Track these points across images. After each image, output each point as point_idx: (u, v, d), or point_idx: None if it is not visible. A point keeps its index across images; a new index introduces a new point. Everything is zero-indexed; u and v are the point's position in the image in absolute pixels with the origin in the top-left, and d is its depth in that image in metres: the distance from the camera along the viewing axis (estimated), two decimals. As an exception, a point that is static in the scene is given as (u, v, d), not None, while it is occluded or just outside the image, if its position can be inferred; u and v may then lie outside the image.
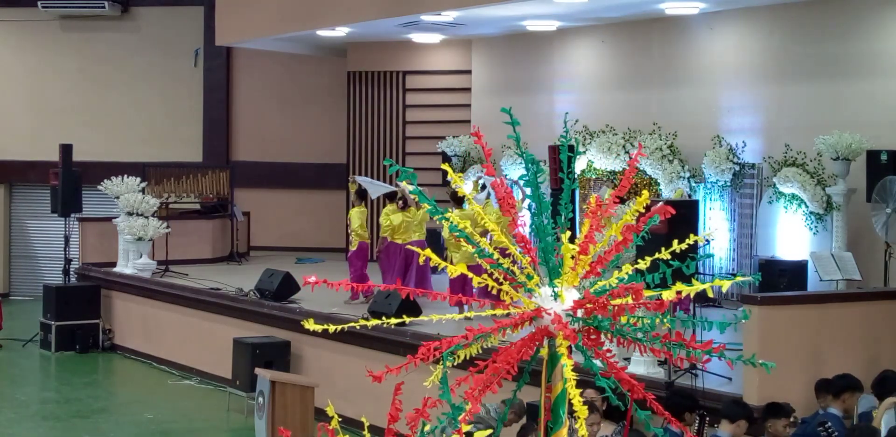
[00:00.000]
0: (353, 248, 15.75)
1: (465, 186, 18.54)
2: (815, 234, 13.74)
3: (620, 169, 16.38)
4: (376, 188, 16.61)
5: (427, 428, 3.75)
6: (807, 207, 13.75)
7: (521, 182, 3.65)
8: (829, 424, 8.50)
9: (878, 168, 12.58)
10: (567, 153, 3.67)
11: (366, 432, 4.46)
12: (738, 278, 3.61)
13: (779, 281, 13.03)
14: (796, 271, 13.36)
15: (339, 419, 4.09)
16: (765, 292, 11.11)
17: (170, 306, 17.40)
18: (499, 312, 3.52)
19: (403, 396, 4.00)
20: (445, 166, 4.16)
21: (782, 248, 14.20)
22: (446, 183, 18.78)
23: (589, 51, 17.69)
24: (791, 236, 14.05)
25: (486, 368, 3.45)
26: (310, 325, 3.59)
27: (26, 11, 23.20)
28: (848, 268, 12.38)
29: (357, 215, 15.62)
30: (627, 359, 10.58)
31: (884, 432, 8.28)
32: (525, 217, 3.69)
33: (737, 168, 14.80)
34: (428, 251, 3.64)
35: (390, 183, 16.82)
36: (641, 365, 10.69)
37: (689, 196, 14.82)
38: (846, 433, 8.31)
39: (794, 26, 14.57)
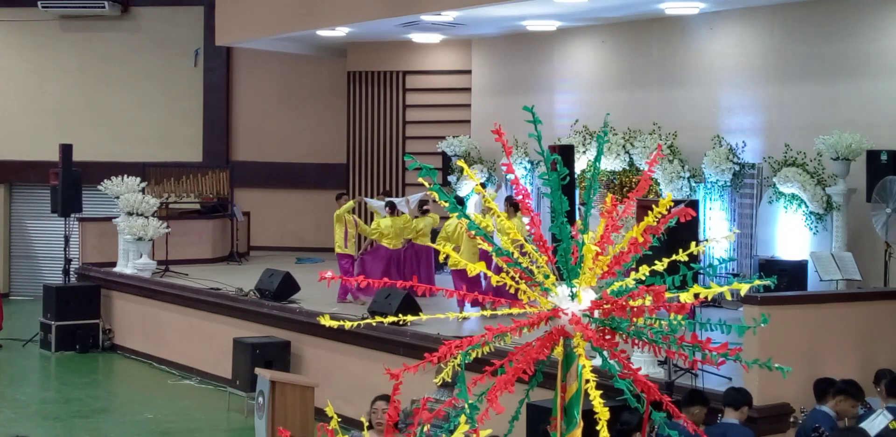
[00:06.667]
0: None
1: (467, 187, 18.49)
2: (815, 234, 13.75)
3: (620, 169, 16.39)
4: (379, 206, 16.77)
5: (426, 428, 3.76)
6: (807, 207, 13.76)
7: (542, 181, 3.66)
8: (822, 427, 8.49)
9: (878, 168, 12.60)
10: (601, 152, 3.65)
11: (365, 432, 4.49)
12: (756, 282, 3.62)
13: (779, 281, 13.00)
14: (796, 271, 13.36)
15: (339, 420, 4.10)
16: (765, 293, 11.13)
17: (170, 306, 17.40)
18: (515, 311, 3.53)
19: (402, 396, 4.01)
20: (461, 163, 4.17)
21: (782, 248, 14.21)
22: (447, 183, 18.82)
23: (589, 51, 17.70)
24: (791, 236, 14.06)
25: (504, 368, 3.46)
26: (326, 321, 3.60)
27: (26, 11, 23.21)
28: (848, 268, 12.40)
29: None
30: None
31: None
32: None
33: (737, 168, 14.82)
34: (447, 249, 3.66)
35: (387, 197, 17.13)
36: (641, 365, 10.69)
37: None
38: (836, 435, 8.31)
39: (794, 26, 14.59)
